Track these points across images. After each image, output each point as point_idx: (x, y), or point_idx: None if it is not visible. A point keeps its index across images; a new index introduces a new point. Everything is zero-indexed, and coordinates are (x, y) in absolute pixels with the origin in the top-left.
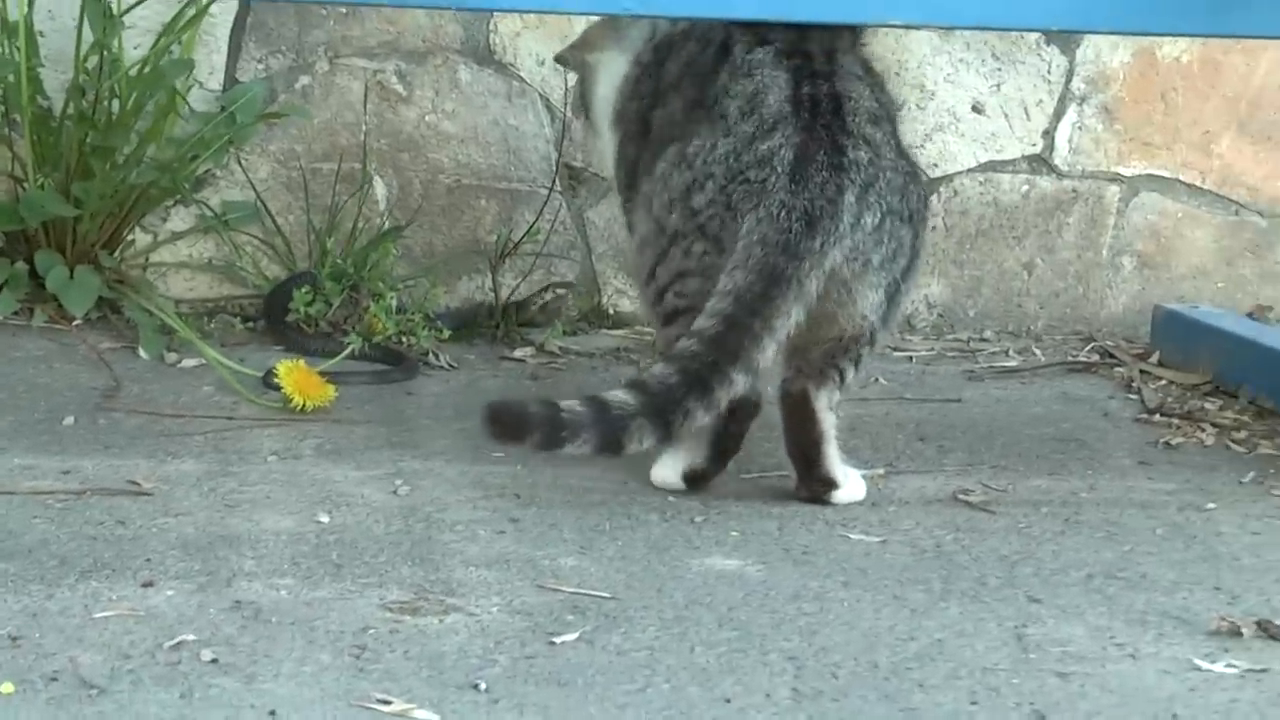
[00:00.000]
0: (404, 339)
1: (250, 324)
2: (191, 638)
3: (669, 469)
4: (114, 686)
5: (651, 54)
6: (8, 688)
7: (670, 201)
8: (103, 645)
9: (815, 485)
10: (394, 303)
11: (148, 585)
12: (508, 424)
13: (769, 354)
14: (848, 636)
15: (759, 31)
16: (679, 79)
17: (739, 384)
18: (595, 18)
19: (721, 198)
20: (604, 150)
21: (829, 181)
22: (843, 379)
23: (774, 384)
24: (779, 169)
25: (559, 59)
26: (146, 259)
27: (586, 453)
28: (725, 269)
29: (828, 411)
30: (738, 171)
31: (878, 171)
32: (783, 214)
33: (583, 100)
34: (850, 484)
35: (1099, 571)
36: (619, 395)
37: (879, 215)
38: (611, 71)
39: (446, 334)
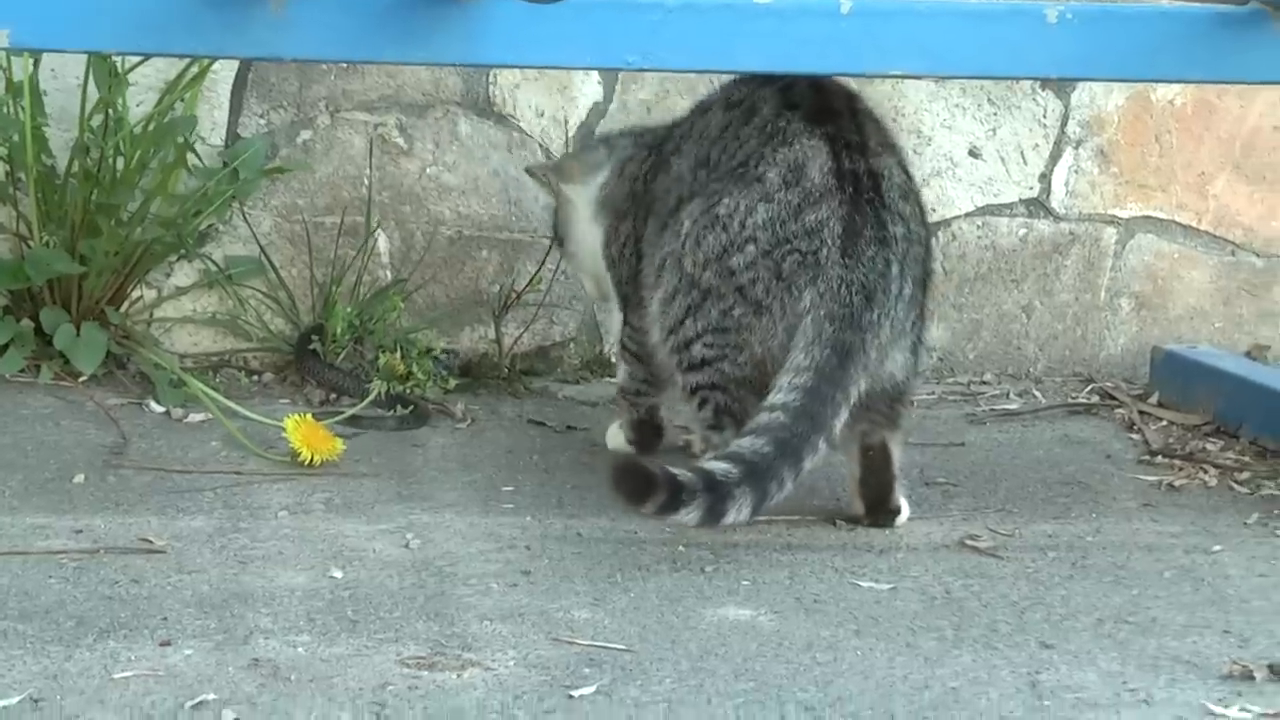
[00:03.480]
0: (412, 389)
1: (255, 377)
2: (212, 697)
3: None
4: None
5: (632, 151)
6: None
7: (705, 261)
8: (124, 706)
9: (883, 516)
10: (400, 352)
11: (165, 644)
12: (633, 485)
13: (843, 421)
14: (863, 686)
15: (781, 92)
16: (680, 143)
17: (822, 451)
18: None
19: (768, 263)
20: (584, 260)
21: (878, 256)
22: (902, 424)
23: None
24: (829, 241)
25: (529, 171)
26: (151, 314)
27: (692, 521)
28: (797, 345)
29: (898, 454)
30: (783, 239)
31: (909, 245)
32: (843, 289)
33: (558, 230)
34: (906, 508)
35: (1109, 616)
36: (721, 465)
37: (911, 286)
38: (588, 198)
39: (452, 384)
